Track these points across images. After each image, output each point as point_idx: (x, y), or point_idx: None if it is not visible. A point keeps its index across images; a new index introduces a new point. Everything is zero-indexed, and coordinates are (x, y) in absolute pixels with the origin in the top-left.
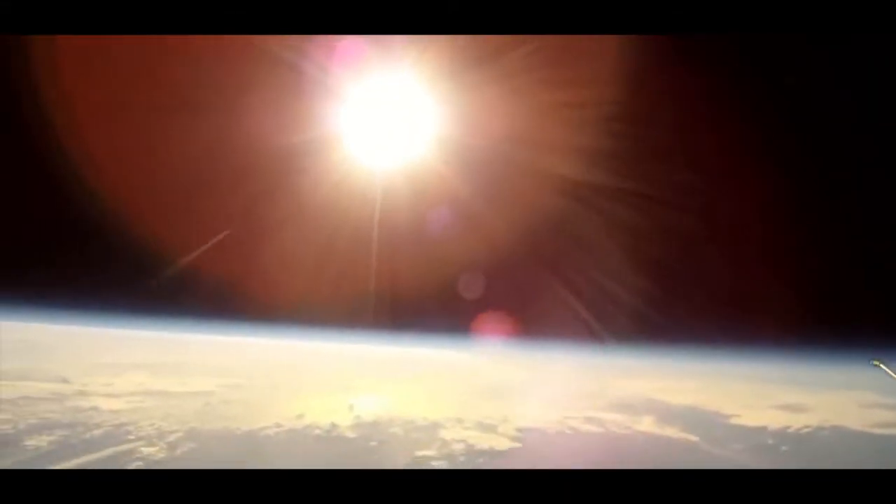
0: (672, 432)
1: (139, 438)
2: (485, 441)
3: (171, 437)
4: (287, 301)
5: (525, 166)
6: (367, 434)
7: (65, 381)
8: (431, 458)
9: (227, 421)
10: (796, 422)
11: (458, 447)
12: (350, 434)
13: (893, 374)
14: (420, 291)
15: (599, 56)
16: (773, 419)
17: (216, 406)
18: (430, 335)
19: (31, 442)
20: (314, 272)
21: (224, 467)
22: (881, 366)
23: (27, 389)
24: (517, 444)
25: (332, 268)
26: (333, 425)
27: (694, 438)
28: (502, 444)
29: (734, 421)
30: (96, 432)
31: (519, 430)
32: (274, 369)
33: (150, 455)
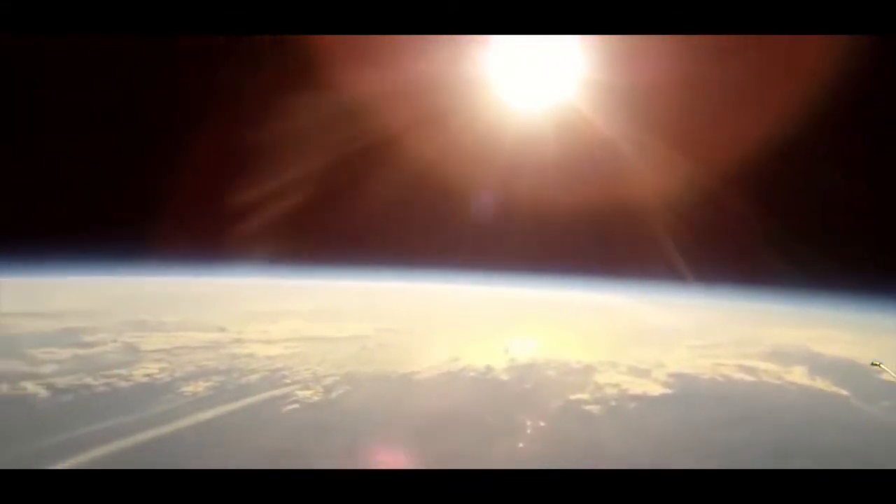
0: (823, 385)
1: (295, 382)
2: (638, 386)
3: (327, 381)
4: (440, 244)
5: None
6: (522, 376)
7: (222, 329)
8: (584, 401)
9: (383, 364)
10: None
11: (611, 391)
12: (504, 377)
13: (894, 374)
14: (576, 233)
15: None
16: None
17: (372, 350)
18: (585, 277)
19: (187, 388)
20: (468, 217)
21: (369, 412)
22: (881, 366)
23: (185, 340)
24: (668, 391)
25: (484, 211)
26: (488, 368)
27: (844, 393)
28: (654, 389)
29: (886, 377)
30: (252, 377)
31: (671, 375)
32: (430, 313)
33: (305, 398)
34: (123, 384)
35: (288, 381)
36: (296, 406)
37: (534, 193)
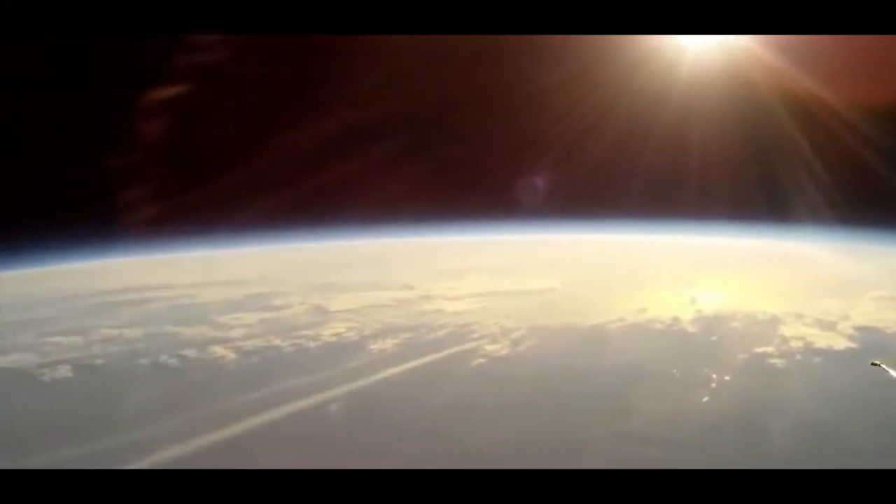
0: None
1: (482, 337)
2: (823, 339)
3: (515, 335)
4: (620, 194)
5: None
6: (708, 328)
7: (409, 287)
8: (770, 354)
9: (570, 316)
10: None
11: (797, 345)
12: (691, 329)
13: (894, 374)
14: (752, 178)
15: None
16: None
17: (559, 302)
18: (769, 224)
19: (375, 346)
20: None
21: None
22: (882, 366)
23: (372, 299)
24: (854, 345)
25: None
26: (675, 319)
27: None
28: (839, 343)
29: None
30: (440, 333)
31: (857, 328)
32: (617, 264)
33: (493, 352)
34: (312, 344)
35: (475, 335)
36: (483, 360)
37: (706, 140)
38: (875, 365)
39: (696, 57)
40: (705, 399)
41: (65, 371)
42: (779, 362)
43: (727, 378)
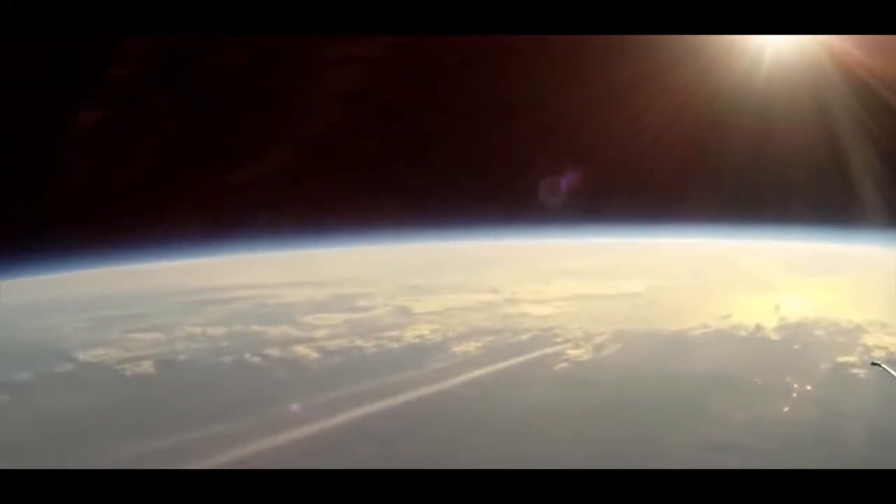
0: None
1: (566, 341)
2: None
3: (598, 339)
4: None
5: None
6: (791, 336)
7: (494, 290)
8: (851, 364)
9: (654, 322)
10: None
11: (879, 354)
12: (774, 336)
13: (894, 374)
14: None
15: None
16: None
17: (643, 307)
18: (856, 229)
19: (459, 348)
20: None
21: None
22: (882, 366)
23: (458, 301)
24: None
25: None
26: (758, 326)
27: None
28: None
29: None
30: (524, 336)
31: None
32: (702, 269)
33: (576, 357)
34: (395, 345)
35: (559, 339)
36: (566, 364)
37: (789, 142)
38: (875, 365)
39: (775, 54)
40: (786, 409)
41: (147, 367)
42: (860, 372)
43: (809, 388)
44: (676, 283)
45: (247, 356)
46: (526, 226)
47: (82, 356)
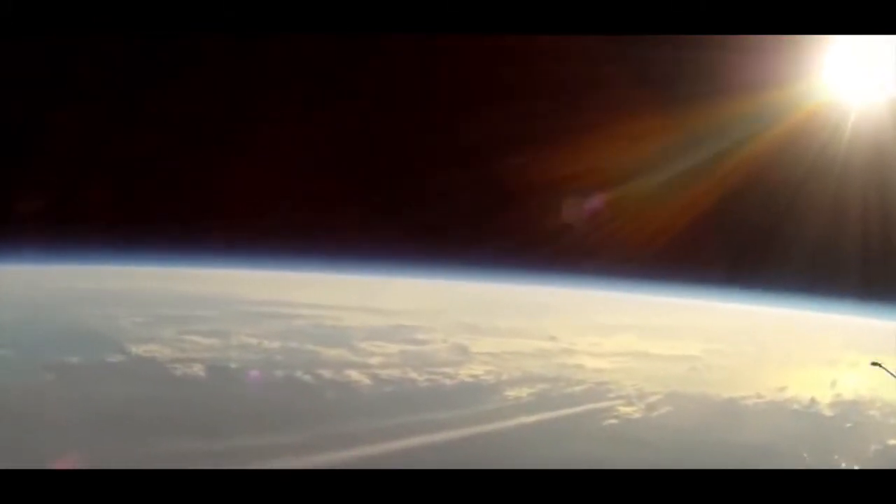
0: None
1: (619, 397)
2: None
3: (651, 399)
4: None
5: None
6: (845, 414)
7: (553, 338)
8: None
9: (708, 387)
10: None
11: None
12: (828, 412)
13: (894, 374)
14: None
15: None
16: None
17: (700, 371)
18: None
19: (511, 392)
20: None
21: (678, 434)
22: (882, 366)
23: (515, 345)
24: None
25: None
26: (813, 401)
27: None
28: None
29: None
30: (577, 388)
31: None
32: (761, 337)
33: (626, 414)
34: (447, 382)
35: (612, 395)
36: (615, 421)
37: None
38: (876, 364)
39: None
40: None
41: (197, 369)
42: None
43: (856, 468)
44: (734, 350)
45: (298, 373)
46: (590, 276)
47: (135, 349)
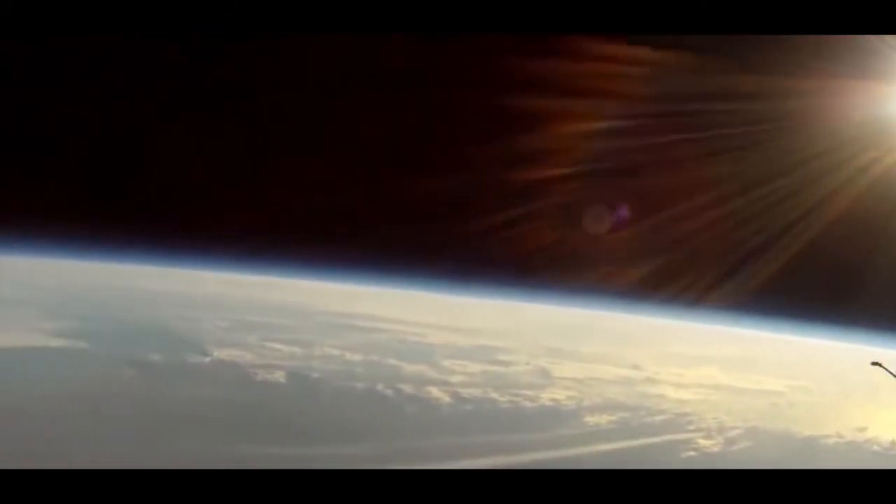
0: None
1: (698, 430)
2: None
3: (731, 433)
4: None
5: None
6: None
7: (636, 367)
8: None
9: (790, 423)
10: None
11: None
12: None
13: (894, 374)
14: None
15: None
16: None
17: (782, 407)
18: None
19: (591, 419)
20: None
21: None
22: (881, 366)
23: (598, 372)
24: None
25: None
26: (893, 444)
27: None
28: None
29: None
30: (657, 418)
31: None
32: (847, 375)
33: (705, 447)
34: (528, 404)
35: (692, 426)
36: (693, 453)
37: None
38: (876, 364)
39: None
40: None
41: (278, 376)
42: None
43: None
44: (818, 387)
45: (379, 386)
46: (677, 306)
47: (217, 353)
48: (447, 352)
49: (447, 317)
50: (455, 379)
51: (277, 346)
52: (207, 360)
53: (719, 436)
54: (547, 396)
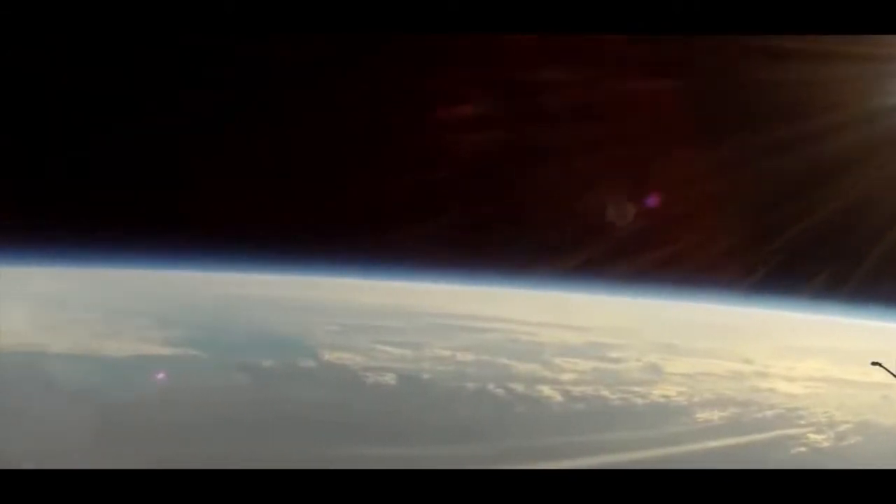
0: None
1: (809, 424)
2: None
3: (842, 428)
4: None
5: None
6: None
7: (747, 361)
8: None
9: None
10: None
11: None
12: None
13: (894, 374)
14: None
15: None
16: None
17: (893, 401)
18: None
19: (702, 415)
20: None
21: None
22: (881, 365)
23: (709, 366)
24: None
25: None
26: None
27: None
28: None
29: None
30: (768, 413)
31: None
32: None
33: (815, 443)
34: (639, 401)
35: (802, 421)
36: (804, 449)
37: None
38: (876, 364)
39: None
40: None
41: (389, 378)
42: None
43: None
44: None
45: (490, 386)
46: (788, 297)
47: (327, 356)
48: (558, 350)
49: (558, 315)
50: (566, 377)
51: (388, 348)
52: (318, 364)
53: (830, 430)
54: (658, 392)
